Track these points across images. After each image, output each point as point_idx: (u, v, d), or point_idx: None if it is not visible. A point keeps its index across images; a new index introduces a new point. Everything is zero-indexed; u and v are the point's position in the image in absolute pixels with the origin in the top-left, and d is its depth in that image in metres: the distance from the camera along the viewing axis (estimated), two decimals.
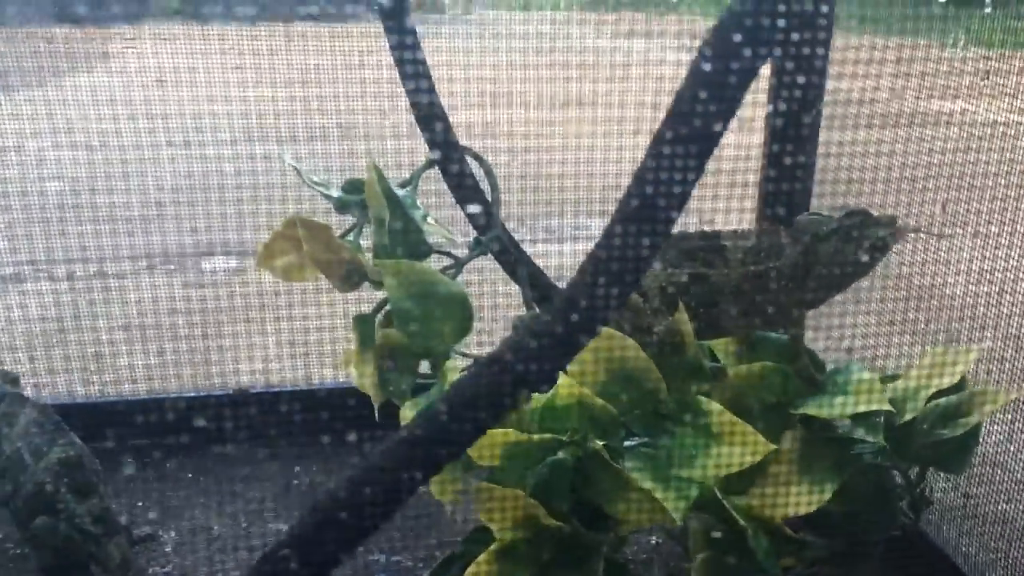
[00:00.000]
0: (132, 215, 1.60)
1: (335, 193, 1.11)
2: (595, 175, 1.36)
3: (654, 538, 1.14)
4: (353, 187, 1.14)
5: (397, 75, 1.06)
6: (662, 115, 0.62)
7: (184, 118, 1.56)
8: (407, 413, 0.92)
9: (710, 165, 0.63)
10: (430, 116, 1.06)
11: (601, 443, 0.82)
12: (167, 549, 1.08)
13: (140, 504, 1.18)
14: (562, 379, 0.84)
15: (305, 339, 1.50)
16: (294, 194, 1.28)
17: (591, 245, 0.65)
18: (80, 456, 0.98)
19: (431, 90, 1.06)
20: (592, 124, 1.47)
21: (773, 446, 0.82)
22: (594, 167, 1.38)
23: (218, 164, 1.57)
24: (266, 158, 1.47)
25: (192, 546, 1.08)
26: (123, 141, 1.44)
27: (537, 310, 1.05)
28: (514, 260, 1.08)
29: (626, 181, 0.64)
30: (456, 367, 0.92)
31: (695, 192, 0.63)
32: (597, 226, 0.69)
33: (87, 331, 1.69)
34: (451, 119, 1.08)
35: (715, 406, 0.83)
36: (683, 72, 0.61)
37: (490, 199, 1.09)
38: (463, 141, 1.10)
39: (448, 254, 1.04)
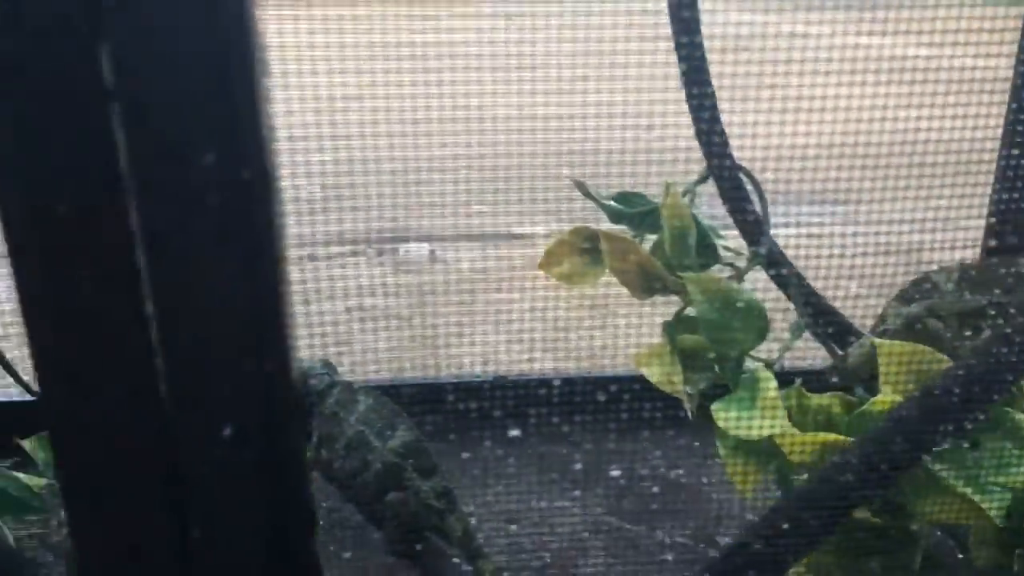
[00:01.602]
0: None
1: (615, 205, 1.22)
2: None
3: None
4: (625, 199, 1.24)
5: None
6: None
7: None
8: (720, 413, 1.03)
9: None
10: (710, 130, 1.15)
11: None
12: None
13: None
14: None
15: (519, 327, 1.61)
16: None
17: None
18: (420, 439, 1.12)
19: (713, 106, 1.15)
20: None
21: None
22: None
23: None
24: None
25: (497, 522, 1.21)
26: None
27: (803, 320, 1.14)
28: (785, 273, 1.17)
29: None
30: (765, 375, 1.02)
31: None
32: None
33: (327, 314, 1.84)
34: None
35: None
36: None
37: (760, 213, 1.18)
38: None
39: (731, 265, 1.14)
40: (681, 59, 1.13)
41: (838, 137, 1.20)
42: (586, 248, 1.20)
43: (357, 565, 1.15)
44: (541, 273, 1.29)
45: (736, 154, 1.24)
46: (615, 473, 1.31)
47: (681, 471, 1.31)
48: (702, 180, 1.19)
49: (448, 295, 2.00)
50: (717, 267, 1.14)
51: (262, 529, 0.41)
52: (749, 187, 1.19)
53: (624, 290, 1.21)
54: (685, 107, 1.18)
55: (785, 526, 0.83)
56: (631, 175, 1.33)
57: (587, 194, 1.23)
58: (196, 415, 0.39)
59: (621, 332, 1.49)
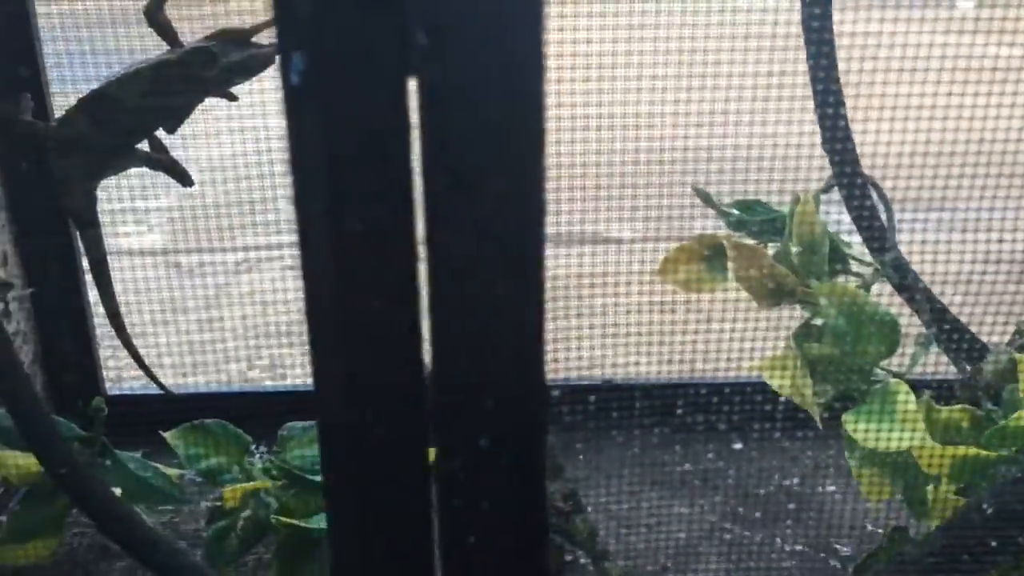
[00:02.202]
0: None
1: (735, 212, 1.23)
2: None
3: None
4: (747, 207, 1.24)
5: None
6: None
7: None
8: (851, 424, 1.03)
9: None
10: (836, 137, 1.15)
11: None
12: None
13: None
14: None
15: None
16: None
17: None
18: (550, 440, 1.14)
19: (842, 114, 1.15)
20: None
21: None
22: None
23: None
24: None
25: (611, 526, 1.23)
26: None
27: (930, 332, 1.13)
28: (911, 286, 1.16)
29: None
30: (900, 387, 1.02)
31: None
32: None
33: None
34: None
35: None
36: None
37: (885, 224, 1.17)
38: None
39: (856, 274, 1.14)
40: (811, 65, 1.13)
41: (926, 139, 1.17)
42: (707, 255, 1.21)
43: None
44: (635, 276, 1.30)
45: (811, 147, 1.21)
46: (729, 479, 1.32)
47: (796, 479, 1.30)
48: (827, 189, 1.19)
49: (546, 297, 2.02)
50: (842, 277, 1.14)
51: (508, 535, 0.44)
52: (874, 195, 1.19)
53: (722, 296, 1.21)
54: (787, 111, 1.17)
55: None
56: (722, 180, 1.33)
57: (708, 202, 1.23)
58: (457, 425, 0.41)
59: (724, 338, 1.49)
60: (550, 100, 0.36)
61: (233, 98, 1.18)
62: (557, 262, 2.29)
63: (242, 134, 1.41)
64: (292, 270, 2.19)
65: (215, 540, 1.11)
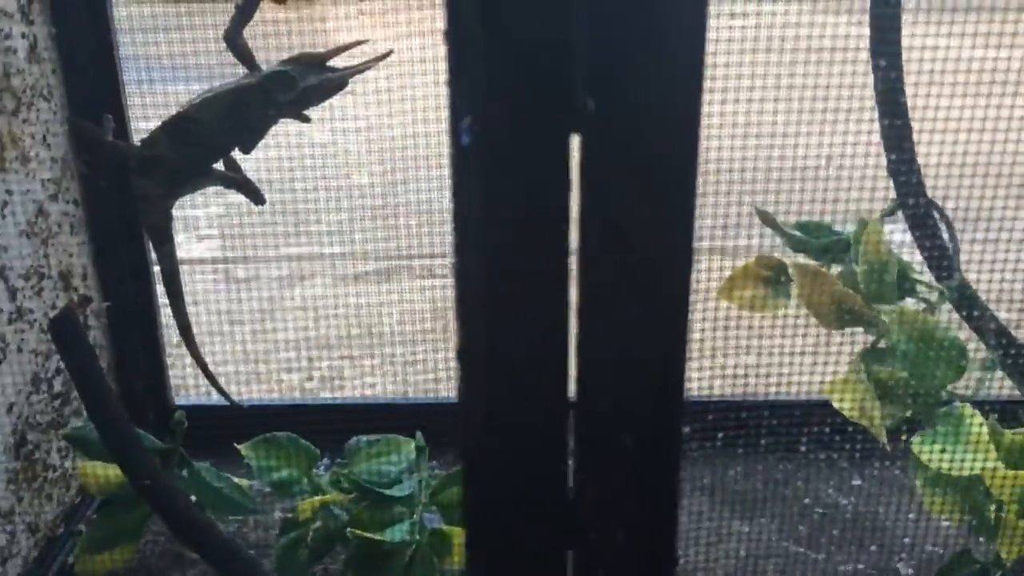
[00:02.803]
0: None
1: (796, 233, 1.24)
2: None
3: None
4: (809, 229, 1.26)
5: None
6: None
7: None
8: (920, 446, 1.03)
9: None
10: (903, 159, 1.16)
11: None
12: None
13: None
14: None
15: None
16: None
17: None
18: None
19: (910, 137, 1.16)
20: None
21: None
22: None
23: None
24: None
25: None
26: None
27: (995, 355, 1.14)
28: (975, 309, 1.17)
29: None
30: (969, 411, 1.03)
31: None
32: None
33: None
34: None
35: None
36: None
37: (949, 248, 1.18)
38: None
39: (923, 299, 1.15)
40: (878, 90, 1.14)
41: (986, 161, 1.16)
42: (769, 276, 1.23)
43: None
44: (694, 295, 1.32)
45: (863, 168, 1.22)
46: (788, 498, 1.33)
47: (855, 499, 1.31)
48: (892, 211, 1.20)
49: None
50: (907, 299, 1.15)
51: (643, 530, 0.46)
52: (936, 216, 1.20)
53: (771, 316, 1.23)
54: (851, 132, 1.18)
55: None
56: (779, 199, 1.34)
57: (770, 223, 1.25)
58: (601, 426, 0.44)
59: (774, 358, 1.50)
60: None
61: (306, 120, 1.21)
62: None
63: (287, 145, 1.44)
64: (343, 281, 2.22)
65: (287, 550, 1.14)
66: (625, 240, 0.39)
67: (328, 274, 2.25)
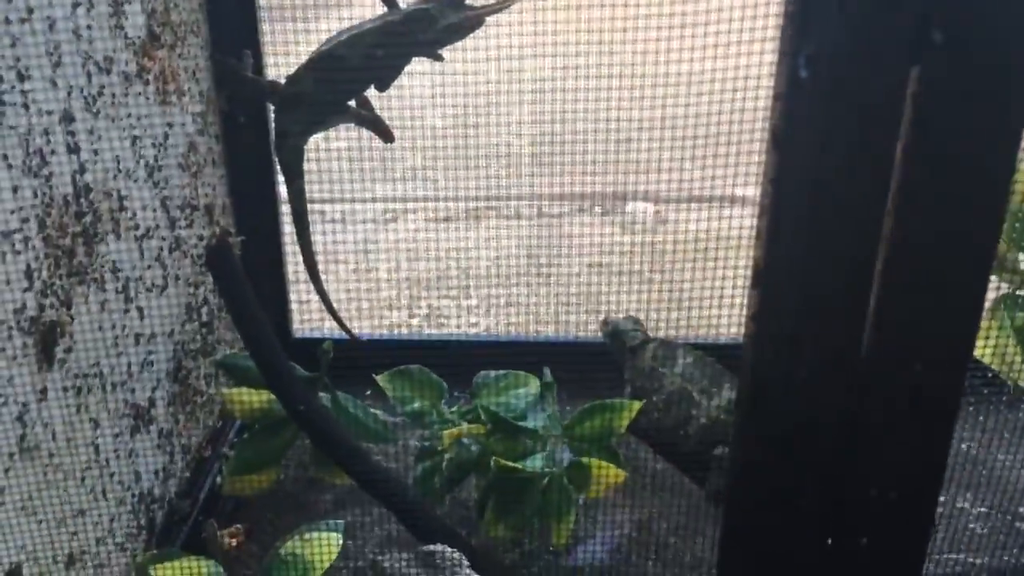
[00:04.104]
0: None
1: None
2: None
3: None
4: None
5: None
6: None
7: None
8: None
9: None
10: None
11: None
12: None
13: None
14: None
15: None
16: None
17: None
18: None
19: None
20: None
21: None
22: None
23: None
24: None
25: None
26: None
27: None
28: None
29: None
30: None
31: None
32: None
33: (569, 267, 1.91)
34: None
35: None
36: None
37: None
38: None
39: None
40: None
41: None
42: None
43: None
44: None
45: None
46: None
47: (973, 444, 1.32)
48: None
49: (683, 255, 2.04)
50: None
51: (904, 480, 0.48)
52: None
53: None
54: None
55: None
56: None
57: None
58: (887, 389, 0.46)
59: None
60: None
61: (440, 59, 1.22)
62: (685, 218, 2.30)
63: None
64: (436, 222, 2.25)
65: (424, 478, 1.19)
66: (944, 178, 0.41)
67: (419, 215, 2.28)
